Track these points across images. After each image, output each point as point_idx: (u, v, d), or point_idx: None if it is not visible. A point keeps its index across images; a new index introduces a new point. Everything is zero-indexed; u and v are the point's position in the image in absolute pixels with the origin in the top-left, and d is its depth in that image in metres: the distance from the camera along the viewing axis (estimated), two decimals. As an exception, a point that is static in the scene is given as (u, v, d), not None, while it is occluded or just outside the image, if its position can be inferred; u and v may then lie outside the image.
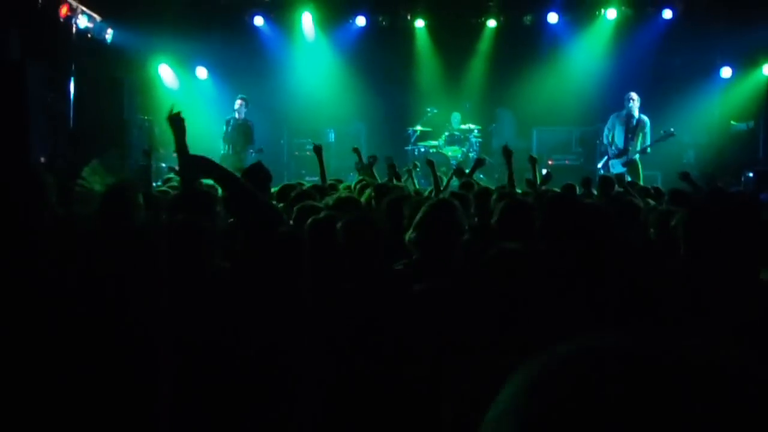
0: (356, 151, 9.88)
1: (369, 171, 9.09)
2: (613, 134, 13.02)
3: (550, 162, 15.02)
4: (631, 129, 12.79)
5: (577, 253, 2.95)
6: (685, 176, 8.30)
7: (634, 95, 12.88)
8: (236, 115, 13.60)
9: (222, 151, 13.52)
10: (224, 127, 13.75)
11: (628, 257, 3.34)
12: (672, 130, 12.61)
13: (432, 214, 3.67)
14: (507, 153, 8.25)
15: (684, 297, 2.90)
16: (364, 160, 9.78)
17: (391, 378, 2.87)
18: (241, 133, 13.50)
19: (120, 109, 13.75)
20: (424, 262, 3.57)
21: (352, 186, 7.62)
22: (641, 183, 10.52)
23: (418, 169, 13.96)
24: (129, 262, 3.07)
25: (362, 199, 5.83)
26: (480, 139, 15.93)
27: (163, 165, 14.28)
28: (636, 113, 12.84)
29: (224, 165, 8.77)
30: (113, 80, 13.64)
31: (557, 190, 8.15)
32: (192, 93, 16.18)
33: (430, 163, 8.91)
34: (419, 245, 3.64)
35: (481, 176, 13.87)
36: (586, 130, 15.52)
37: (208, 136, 14.52)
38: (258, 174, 5.34)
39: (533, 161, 9.16)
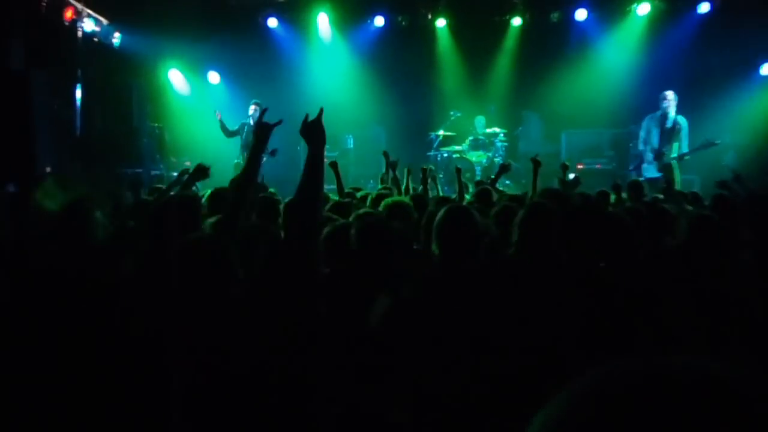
0: (386, 155, 9.53)
1: (393, 177, 8.94)
2: (648, 137, 12.75)
3: (579, 166, 14.81)
4: (667, 131, 12.47)
5: (592, 264, 2.96)
6: (722, 185, 8.11)
7: (669, 94, 12.55)
8: (250, 122, 13.51)
9: (236, 159, 13.44)
10: (234, 127, 13.74)
11: (652, 268, 3.34)
12: (717, 141, 11.99)
13: (450, 218, 3.79)
14: (535, 164, 8.14)
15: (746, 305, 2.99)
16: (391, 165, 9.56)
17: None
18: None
19: (129, 116, 14.04)
20: (444, 267, 3.69)
21: (372, 195, 7.52)
22: (678, 188, 10.30)
23: (441, 176, 13.91)
24: (88, 282, 3.06)
25: (380, 209, 5.72)
26: (506, 144, 15.82)
27: (174, 174, 14.25)
28: (672, 113, 12.49)
29: (237, 172, 8.54)
30: (121, 86, 13.87)
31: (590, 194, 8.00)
32: (204, 99, 16.20)
33: (458, 171, 8.88)
34: (439, 250, 3.74)
35: (507, 182, 13.81)
36: (618, 133, 15.33)
37: (222, 142, 14.44)
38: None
39: (565, 168, 8.97)
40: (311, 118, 3.50)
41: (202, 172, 6.27)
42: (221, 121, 13.55)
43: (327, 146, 14.19)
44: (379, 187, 8.81)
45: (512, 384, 2.69)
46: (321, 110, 3.51)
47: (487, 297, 3.27)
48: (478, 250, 3.72)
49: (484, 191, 7.53)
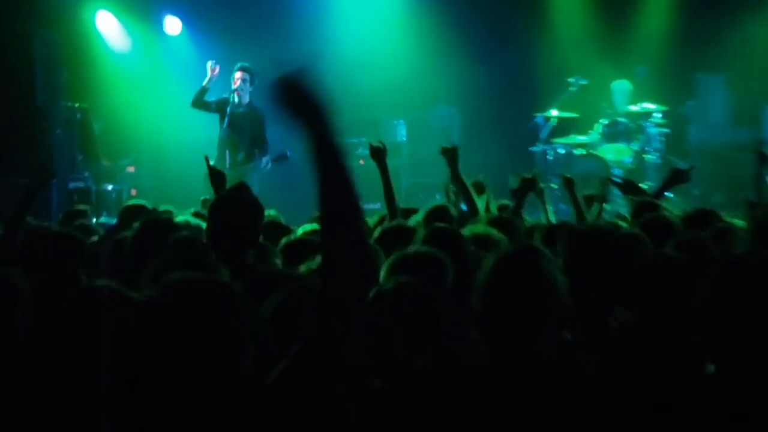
0: (450, 152, 9.08)
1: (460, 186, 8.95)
2: None
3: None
4: None
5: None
6: None
7: None
8: (234, 98, 13.50)
9: (214, 162, 13.33)
10: (215, 96, 13.80)
11: None
12: None
13: (502, 273, 3.89)
14: (678, 177, 8.83)
15: None
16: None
17: None
18: (246, 128, 13.46)
19: (30, 89, 14.27)
20: (491, 350, 3.85)
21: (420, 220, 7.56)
22: None
23: (554, 186, 13.63)
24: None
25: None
26: (665, 130, 15.88)
27: (110, 187, 14.23)
28: None
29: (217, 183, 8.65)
30: (15, 41, 13.95)
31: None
32: (156, 60, 16.53)
33: (568, 182, 8.85)
34: (481, 320, 3.92)
35: (670, 195, 13.39)
36: None
37: (188, 132, 15.06)
38: (237, 204, 5.54)
39: (764, 160, 8.57)
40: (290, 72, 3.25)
41: (41, 173, 6.87)
42: (206, 85, 13.77)
43: (364, 137, 14.23)
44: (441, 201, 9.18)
45: None
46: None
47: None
48: (547, 322, 3.82)
49: (646, 206, 7.46)
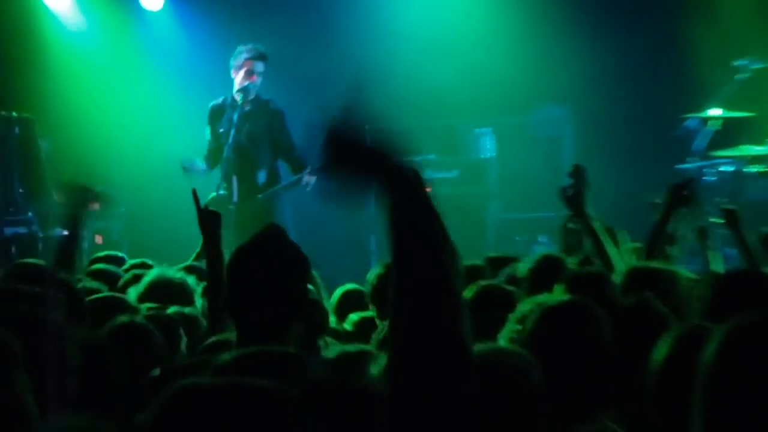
0: (577, 173, 9.11)
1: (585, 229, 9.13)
2: None
3: None
4: None
5: None
6: None
7: None
8: (239, 97, 14.05)
9: (216, 190, 14.04)
10: (207, 126, 14.32)
11: None
12: None
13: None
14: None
15: None
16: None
17: None
18: (260, 133, 14.12)
19: None
20: None
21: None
22: None
23: (717, 221, 13.64)
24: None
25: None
26: None
27: (64, 233, 14.65)
28: None
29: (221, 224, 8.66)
30: None
31: None
32: (128, 47, 17.61)
33: (730, 217, 9.52)
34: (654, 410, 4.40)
35: None
36: None
37: (171, 149, 15.85)
38: (270, 257, 5.59)
39: None
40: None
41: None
42: (191, 164, 14.47)
43: (432, 155, 13.42)
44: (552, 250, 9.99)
45: None
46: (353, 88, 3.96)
47: None
48: None
49: None
